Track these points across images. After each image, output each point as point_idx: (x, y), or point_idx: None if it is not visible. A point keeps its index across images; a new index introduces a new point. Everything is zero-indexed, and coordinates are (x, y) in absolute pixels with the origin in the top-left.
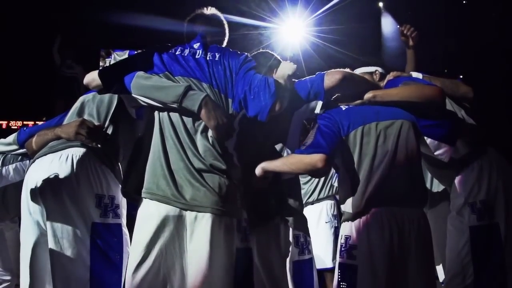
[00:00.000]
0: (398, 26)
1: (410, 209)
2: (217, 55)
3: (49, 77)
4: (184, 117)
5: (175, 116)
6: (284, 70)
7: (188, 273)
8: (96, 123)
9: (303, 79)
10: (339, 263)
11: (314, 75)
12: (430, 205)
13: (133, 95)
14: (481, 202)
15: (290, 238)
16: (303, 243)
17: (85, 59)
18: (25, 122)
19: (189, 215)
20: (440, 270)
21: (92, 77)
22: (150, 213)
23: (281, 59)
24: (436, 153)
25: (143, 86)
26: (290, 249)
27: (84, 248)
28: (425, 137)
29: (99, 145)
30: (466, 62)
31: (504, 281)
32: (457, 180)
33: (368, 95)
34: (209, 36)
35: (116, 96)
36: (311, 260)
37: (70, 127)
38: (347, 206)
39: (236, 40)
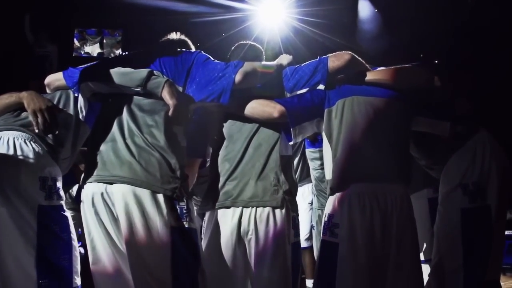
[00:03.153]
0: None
1: (392, 186)
2: None
3: (21, 57)
4: (136, 109)
5: (126, 108)
6: (280, 59)
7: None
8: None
9: (302, 64)
10: (322, 240)
11: (316, 59)
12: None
13: (98, 82)
14: (474, 184)
15: None
16: (297, 224)
17: (59, 37)
18: None
19: (116, 189)
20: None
21: (54, 78)
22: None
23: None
24: (434, 131)
25: (108, 72)
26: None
27: (31, 229)
28: (421, 117)
29: (47, 134)
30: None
31: (493, 262)
32: (450, 161)
33: (369, 77)
34: None
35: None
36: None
37: (40, 101)
38: (329, 180)
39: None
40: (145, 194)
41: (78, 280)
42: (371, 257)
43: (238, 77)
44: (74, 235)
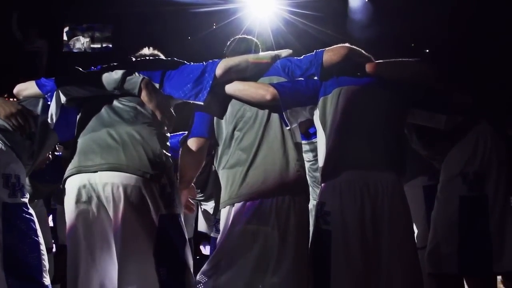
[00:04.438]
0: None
1: (383, 174)
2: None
3: (10, 54)
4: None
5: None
6: (279, 51)
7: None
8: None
9: (298, 58)
10: (314, 227)
11: (313, 53)
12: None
13: (74, 87)
14: (474, 173)
15: None
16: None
17: (48, 33)
18: None
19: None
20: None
21: (23, 87)
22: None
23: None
24: (429, 123)
25: (85, 77)
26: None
27: None
28: (417, 109)
29: (25, 135)
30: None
31: (488, 250)
32: (451, 152)
33: (368, 69)
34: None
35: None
36: None
37: (10, 106)
38: (321, 167)
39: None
40: (130, 179)
41: (47, 279)
42: (363, 244)
43: (218, 71)
44: (40, 233)
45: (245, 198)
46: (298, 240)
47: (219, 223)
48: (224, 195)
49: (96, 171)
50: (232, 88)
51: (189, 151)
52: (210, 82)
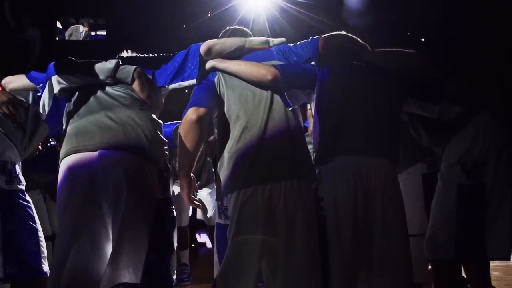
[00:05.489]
0: None
1: (377, 160)
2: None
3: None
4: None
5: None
6: (272, 39)
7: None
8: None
9: (294, 44)
10: None
11: (308, 40)
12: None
13: (67, 75)
14: (473, 162)
15: None
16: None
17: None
18: None
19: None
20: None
21: (11, 80)
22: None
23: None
24: (424, 112)
25: (70, 65)
26: None
27: None
28: (412, 98)
29: (17, 123)
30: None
31: (483, 238)
32: (452, 141)
33: (365, 57)
34: None
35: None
36: None
37: (0, 95)
38: (315, 152)
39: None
40: (131, 160)
41: (45, 265)
42: (355, 230)
43: (203, 48)
44: (38, 220)
45: (256, 183)
46: (308, 222)
47: (228, 210)
48: (230, 181)
49: (95, 150)
50: (233, 67)
51: (189, 123)
52: (197, 59)
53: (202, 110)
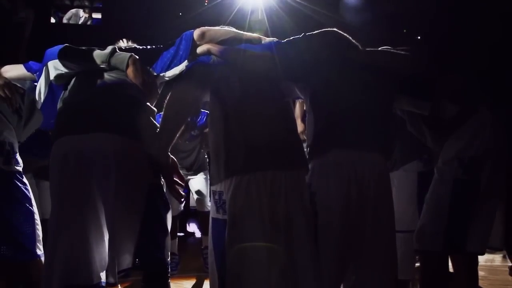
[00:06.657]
0: None
1: (370, 155)
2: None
3: None
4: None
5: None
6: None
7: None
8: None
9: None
10: None
11: (300, 35)
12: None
13: (64, 61)
14: (470, 159)
15: None
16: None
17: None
18: None
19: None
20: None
21: (7, 69)
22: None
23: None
24: (415, 109)
25: (73, 52)
26: None
27: None
28: (403, 95)
29: (12, 106)
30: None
31: (466, 233)
32: (450, 139)
33: (357, 56)
34: None
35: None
36: None
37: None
38: (308, 146)
39: None
40: (123, 142)
41: (40, 248)
42: (347, 226)
43: (197, 32)
44: (34, 202)
45: (255, 169)
46: (307, 211)
47: (226, 204)
48: (226, 167)
49: (87, 133)
50: (232, 55)
51: (176, 94)
52: (190, 43)
53: (194, 84)
